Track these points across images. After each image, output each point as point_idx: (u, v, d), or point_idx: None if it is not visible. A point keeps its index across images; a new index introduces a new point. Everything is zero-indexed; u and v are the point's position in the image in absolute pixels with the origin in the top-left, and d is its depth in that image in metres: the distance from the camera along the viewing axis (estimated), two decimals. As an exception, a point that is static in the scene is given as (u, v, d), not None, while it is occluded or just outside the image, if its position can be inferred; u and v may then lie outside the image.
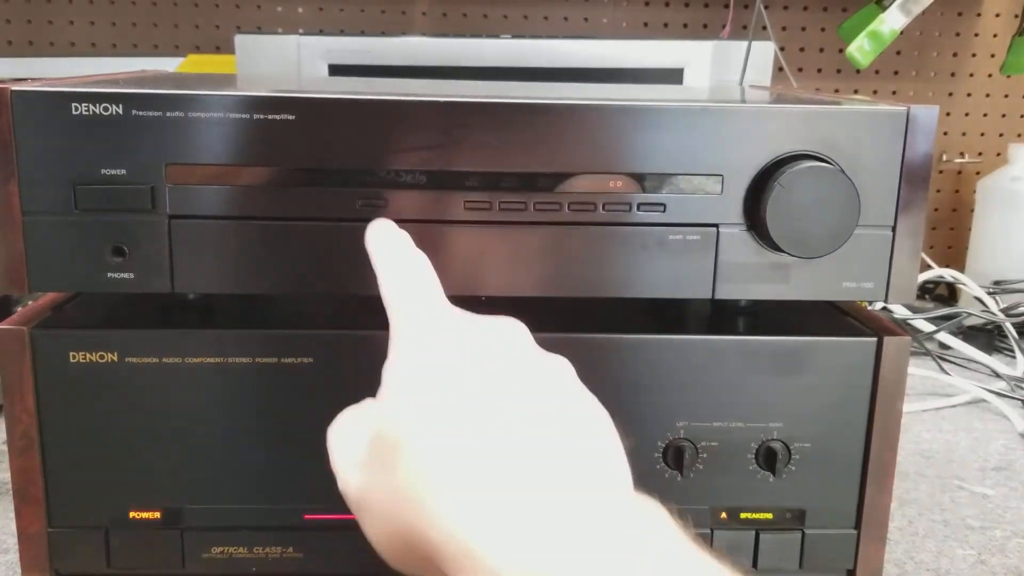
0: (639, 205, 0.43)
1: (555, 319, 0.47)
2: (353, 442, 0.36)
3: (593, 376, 0.45)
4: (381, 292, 0.38)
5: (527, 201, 0.43)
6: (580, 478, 0.32)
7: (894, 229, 0.44)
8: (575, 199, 0.43)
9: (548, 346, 0.45)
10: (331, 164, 0.42)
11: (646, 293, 0.44)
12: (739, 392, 0.45)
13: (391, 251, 0.40)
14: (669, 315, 0.49)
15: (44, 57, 1.19)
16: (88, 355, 0.44)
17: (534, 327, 0.46)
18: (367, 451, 0.35)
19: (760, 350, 0.45)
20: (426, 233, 0.43)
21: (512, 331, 0.37)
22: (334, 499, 0.45)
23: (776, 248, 0.43)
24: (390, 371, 0.36)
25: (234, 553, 0.46)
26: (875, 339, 0.45)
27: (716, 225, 0.44)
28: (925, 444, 0.76)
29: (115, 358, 0.44)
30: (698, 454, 0.46)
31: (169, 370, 0.44)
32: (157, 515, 0.45)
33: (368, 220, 0.43)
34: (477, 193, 0.43)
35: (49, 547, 0.45)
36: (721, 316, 0.49)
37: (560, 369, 0.37)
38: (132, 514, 0.45)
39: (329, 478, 0.45)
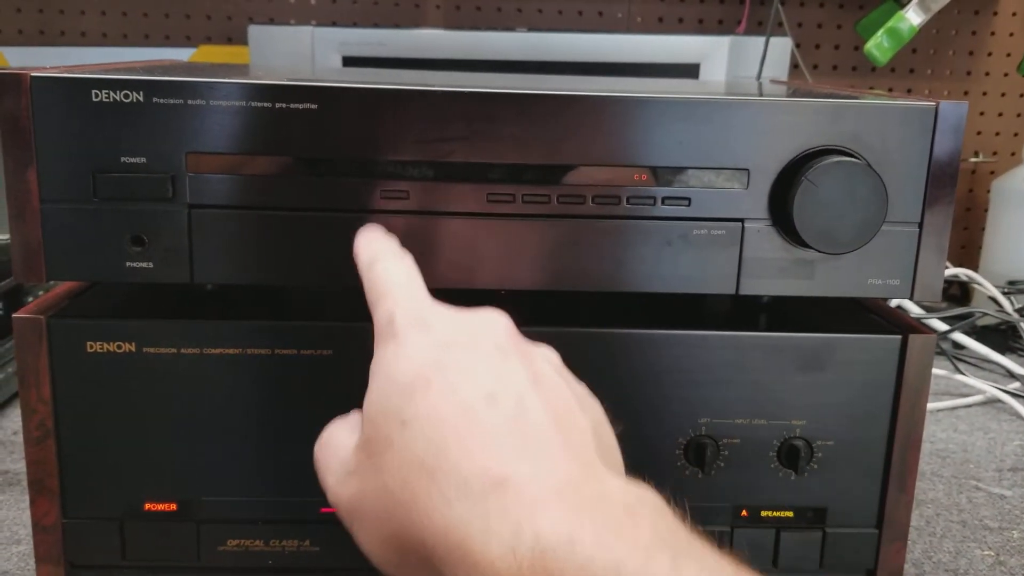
0: (663, 199, 0.43)
1: (578, 314, 0.47)
2: (340, 453, 0.36)
3: (615, 372, 0.45)
4: (366, 295, 0.38)
5: (551, 194, 0.43)
6: (572, 463, 0.32)
7: (921, 226, 0.44)
8: (599, 192, 0.43)
9: (570, 341, 0.44)
10: (353, 154, 0.42)
11: (670, 288, 0.44)
12: (762, 389, 0.45)
13: (376, 253, 0.39)
14: (692, 311, 0.48)
15: (55, 47, 1.19)
16: (105, 345, 0.43)
17: (556, 322, 0.45)
18: (353, 459, 0.35)
19: (783, 347, 0.45)
20: (449, 225, 0.43)
21: (495, 321, 0.36)
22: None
23: (802, 244, 0.42)
24: (376, 370, 0.35)
25: (250, 546, 0.46)
26: (900, 337, 0.45)
27: (741, 220, 0.43)
28: (941, 444, 0.75)
29: (132, 348, 0.43)
30: (720, 451, 0.45)
31: (187, 361, 0.43)
32: (173, 507, 0.45)
33: (389, 211, 0.42)
34: (500, 185, 0.42)
35: (64, 538, 0.45)
36: (744, 312, 0.48)
37: (546, 356, 0.36)
38: (148, 506, 0.45)
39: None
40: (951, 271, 1.00)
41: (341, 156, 0.42)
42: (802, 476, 0.46)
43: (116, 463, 0.44)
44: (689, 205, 0.43)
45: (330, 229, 0.42)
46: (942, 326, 0.96)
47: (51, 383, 0.43)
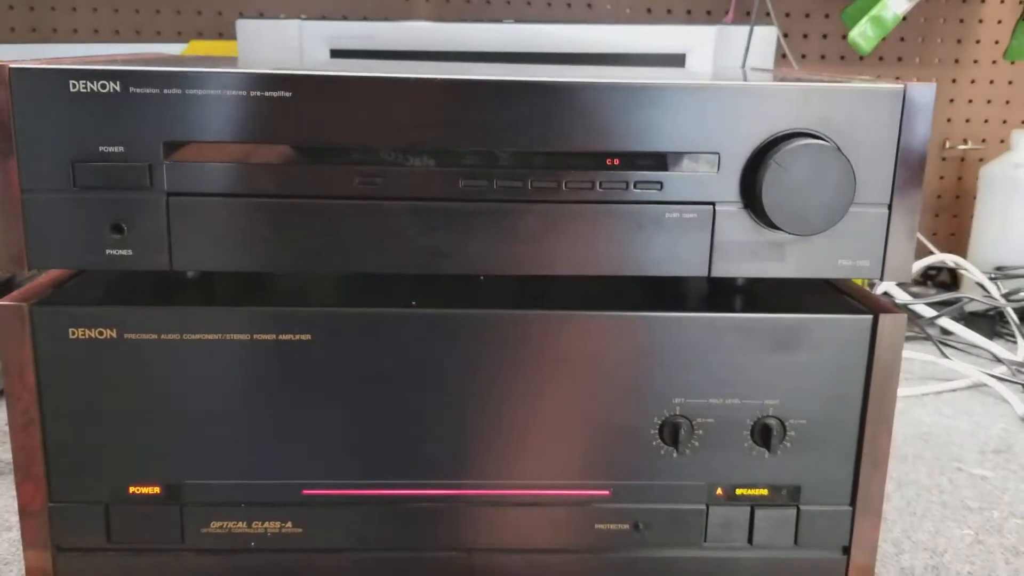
0: (636, 183, 0.43)
1: (552, 297, 0.48)
2: None
3: (590, 354, 0.45)
4: None
5: (525, 180, 0.43)
6: None
7: (890, 207, 0.44)
8: (572, 178, 0.43)
9: (545, 324, 0.45)
10: (328, 142, 0.42)
11: (643, 271, 0.44)
12: (735, 369, 0.46)
13: None
14: (666, 293, 0.49)
15: (47, 44, 1.19)
16: (88, 331, 0.44)
17: (532, 305, 0.46)
18: None
19: (756, 328, 0.45)
20: (423, 212, 0.43)
21: None
22: (332, 474, 0.46)
23: (772, 226, 0.43)
24: None
25: (233, 528, 0.46)
26: (871, 317, 0.45)
27: (712, 203, 0.44)
28: (924, 427, 0.76)
29: (114, 335, 0.44)
30: (694, 431, 0.46)
31: (168, 347, 0.44)
32: (157, 490, 0.46)
33: (366, 198, 0.43)
34: (474, 172, 0.43)
35: (50, 522, 0.46)
36: (717, 294, 0.49)
37: None
38: (132, 489, 0.46)
39: (327, 452, 0.46)
40: (938, 257, 1.01)
41: (316, 144, 0.42)
42: (776, 455, 0.46)
43: (100, 448, 0.45)
44: (661, 189, 0.44)
45: (307, 215, 0.43)
46: (929, 311, 0.97)
47: (35, 370, 0.44)
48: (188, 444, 0.45)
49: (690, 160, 0.43)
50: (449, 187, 0.43)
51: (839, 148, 0.43)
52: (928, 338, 0.93)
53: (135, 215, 0.43)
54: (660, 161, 0.43)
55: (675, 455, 0.46)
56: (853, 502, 0.47)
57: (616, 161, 0.43)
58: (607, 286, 0.50)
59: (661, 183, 0.43)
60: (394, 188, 0.43)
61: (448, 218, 0.43)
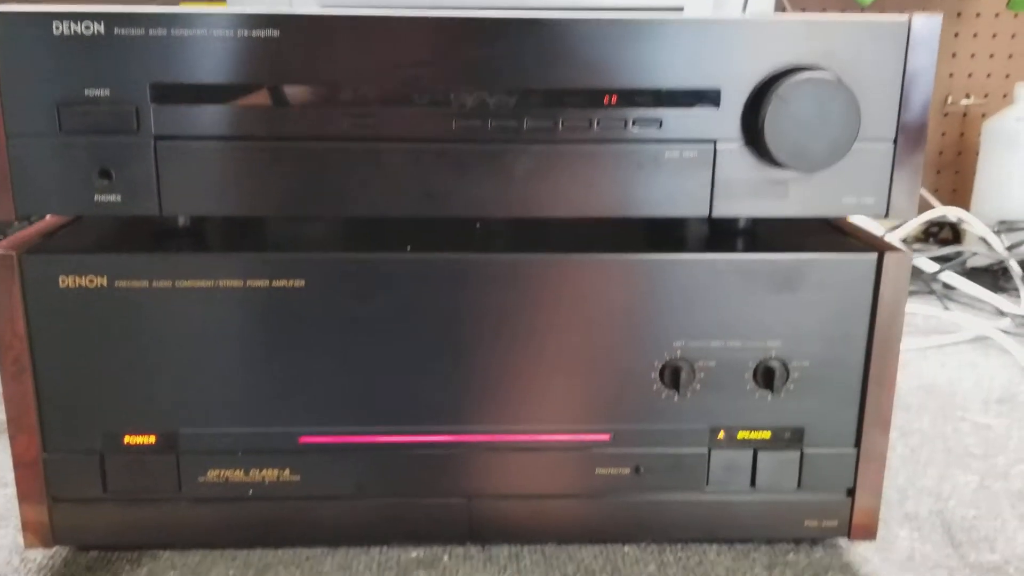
0: (634, 122, 0.42)
1: (550, 240, 0.47)
2: None
3: (590, 297, 0.45)
4: None
5: (520, 119, 0.42)
6: None
7: (895, 143, 0.43)
8: (569, 117, 0.42)
9: (544, 268, 0.44)
10: (317, 82, 0.41)
11: (642, 212, 0.44)
12: (737, 311, 0.45)
13: None
14: (667, 235, 0.48)
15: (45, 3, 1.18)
16: (78, 279, 0.43)
17: (529, 249, 0.45)
18: None
19: (758, 268, 0.44)
20: (415, 153, 0.42)
21: None
22: (330, 421, 0.46)
23: (775, 163, 0.42)
24: None
25: (231, 477, 0.46)
26: (875, 255, 0.44)
27: (713, 141, 0.43)
28: (927, 379, 0.75)
29: (104, 283, 0.43)
30: (695, 374, 0.45)
31: (159, 294, 0.43)
32: (152, 440, 0.45)
33: (357, 139, 0.42)
34: (468, 112, 0.42)
35: (45, 473, 0.45)
36: (718, 236, 0.48)
37: None
38: (127, 439, 0.45)
39: (324, 399, 0.45)
40: (940, 210, 1.00)
41: (305, 84, 0.41)
42: (778, 397, 0.46)
43: (93, 397, 0.45)
44: (660, 127, 0.43)
45: (297, 158, 0.42)
46: (932, 266, 0.96)
47: (25, 319, 0.43)
48: (183, 393, 0.45)
49: (690, 97, 0.42)
50: (443, 128, 0.42)
51: (843, 81, 0.42)
52: (931, 292, 0.92)
53: (123, 160, 0.42)
54: (659, 98, 0.42)
55: (676, 398, 0.46)
56: (858, 444, 0.47)
57: (614, 99, 0.42)
58: (606, 229, 0.49)
59: (660, 121, 0.42)
60: (386, 129, 0.42)
61: (442, 160, 0.42)
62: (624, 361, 0.45)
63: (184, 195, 0.42)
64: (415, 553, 0.49)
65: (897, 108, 0.43)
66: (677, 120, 0.42)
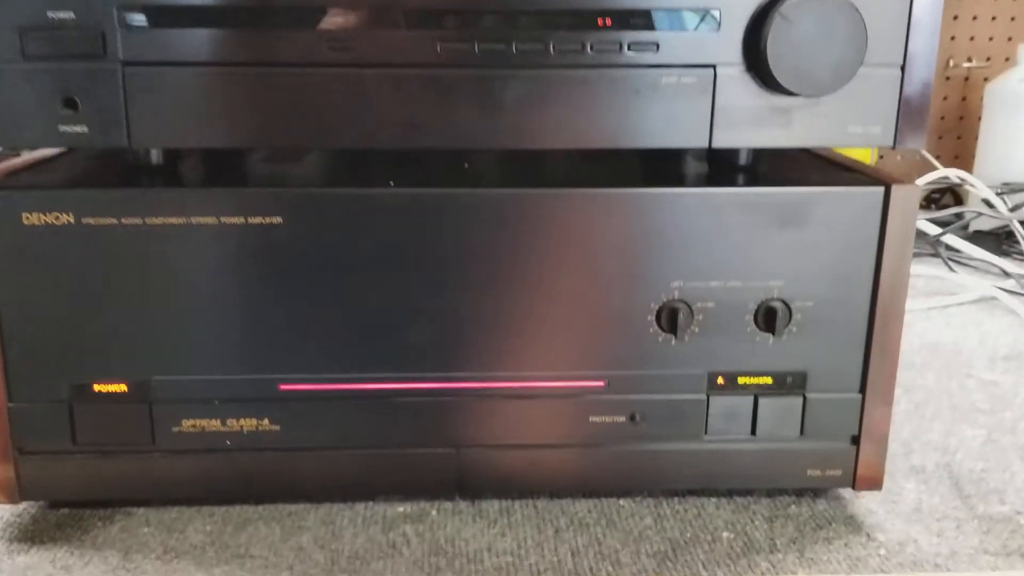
0: (629, 45, 0.40)
1: (540, 174, 0.45)
2: None
3: (583, 235, 0.42)
4: None
5: (509, 43, 0.40)
6: None
7: (903, 69, 0.41)
8: (560, 40, 0.40)
9: (536, 204, 0.42)
10: (296, 3, 0.39)
11: (639, 143, 0.41)
12: (738, 250, 0.43)
13: None
14: (663, 171, 0.46)
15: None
16: (42, 216, 0.41)
17: (522, 183, 0.43)
18: None
19: (760, 203, 0.42)
20: (397, 80, 0.40)
21: None
22: (310, 368, 0.43)
23: (778, 88, 0.40)
24: None
25: (207, 427, 0.44)
26: (882, 188, 0.42)
27: (713, 66, 0.40)
28: (932, 338, 0.73)
29: (71, 219, 0.41)
30: (693, 316, 0.43)
31: (129, 232, 0.41)
32: (123, 388, 0.43)
33: (337, 65, 0.40)
34: (454, 35, 0.40)
35: (10, 424, 0.43)
36: (718, 172, 0.46)
37: None
38: (96, 387, 0.43)
39: (304, 344, 0.43)
40: (943, 172, 0.97)
41: (283, 5, 0.39)
42: (780, 339, 0.44)
43: (60, 343, 0.42)
44: (657, 51, 0.40)
45: (273, 85, 0.40)
46: (934, 229, 0.94)
47: (-13, 258, 0.41)
48: (154, 338, 0.42)
49: (687, 18, 0.40)
50: (427, 52, 0.40)
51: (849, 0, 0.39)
52: (935, 254, 0.90)
53: (89, 87, 0.39)
54: (655, 20, 0.40)
55: (673, 342, 0.44)
56: (863, 389, 0.45)
57: (608, 21, 0.40)
58: (600, 163, 0.47)
59: (657, 44, 0.40)
60: (367, 54, 0.40)
61: (426, 87, 0.40)
62: (619, 303, 0.43)
63: (154, 126, 0.40)
64: (401, 508, 0.47)
65: (905, 31, 0.41)
66: (674, 43, 0.40)
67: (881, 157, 1.15)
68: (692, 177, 0.46)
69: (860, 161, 0.48)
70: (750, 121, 0.41)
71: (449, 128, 0.41)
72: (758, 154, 0.46)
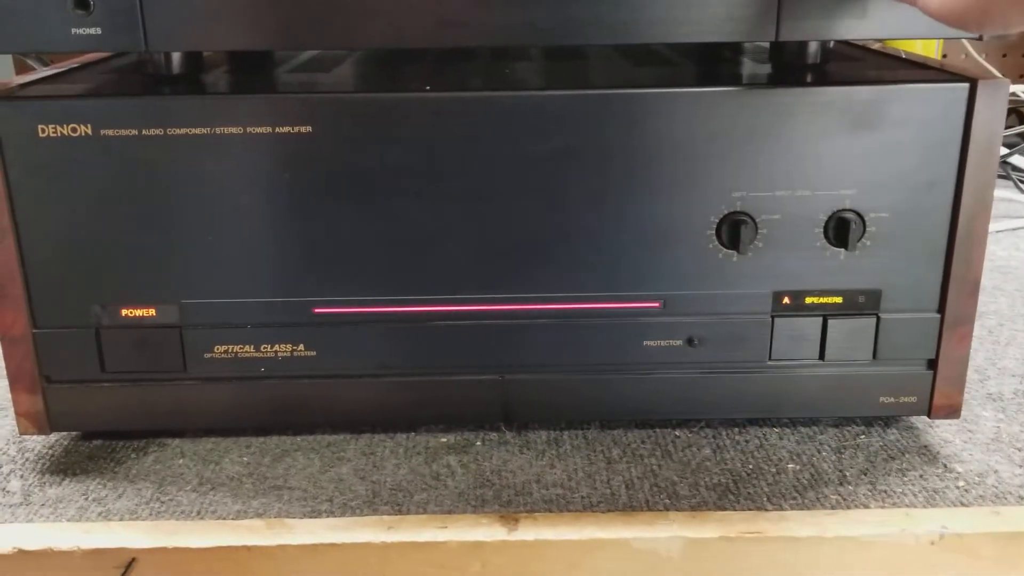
0: (687, -72, 0.36)
1: (591, 72, 0.41)
2: None
3: (636, 139, 0.39)
4: None
5: (553, -70, 0.36)
6: None
7: (995, -51, 0.37)
8: (610, -75, 0.36)
9: (584, 103, 0.39)
10: None
11: (698, 37, 0.38)
12: (806, 156, 0.39)
13: None
14: (722, 71, 0.42)
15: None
16: (59, 128, 0.38)
17: (572, 84, 0.40)
18: None
19: (832, 103, 0.38)
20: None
21: None
22: (347, 291, 0.41)
23: (853, -28, 0.36)
24: None
25: (240, 352, 0.42)
26: (967, 84, 0.38)
27: (780, -51, 0.37)
28: (1002, 261, 0.69)
29: (89, 131, 0.38)
30: (757, 229, 0.40)
31: (151, 144, 0.39)
32: (152, 312, 0.41)
33: (367, -43, 0.36)
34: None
35: (36, 351, 0.41)
36: (783, 71, 0.42)
37: None
38: (124, 312, 0.41)
39: (338, 265, 0.40)
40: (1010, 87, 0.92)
41: None
42: (852, 254, 0.40)
43: (85, 264, 0.40)
44: (718, -66, 0.36)
45: (299, -19, 0.37)
46: (1001, 149, 0.88)
47: (3, 174, 0.39)
48: (181, 259, 0.40)
49: None
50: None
51: None
52: (1005, 175, 0.85)
53: (101, -13, 0.36)
54: (716, -101, 0.36)
55: (735, 259, 0.40)
56: (942, 309, 0.41)
57: (663, -99, 0.36)
58: (652, 63, 0.43)
59: (718, -74, 0.36)
60: (400, -56, 0.36)
61: (466, -20, 0.37)
62: (676, 216, 0.40)
63: (172, 27, 0.37)
64: (444, 438, 0.45)
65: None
66: (738, -74, 0.36)
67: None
68: (753, 78, 0.42)
69: (939, 60, 0.44)
70: (820, 11, 0.37)
71: (484, 24, 0.37)
72: (825, 54, 0.42)
